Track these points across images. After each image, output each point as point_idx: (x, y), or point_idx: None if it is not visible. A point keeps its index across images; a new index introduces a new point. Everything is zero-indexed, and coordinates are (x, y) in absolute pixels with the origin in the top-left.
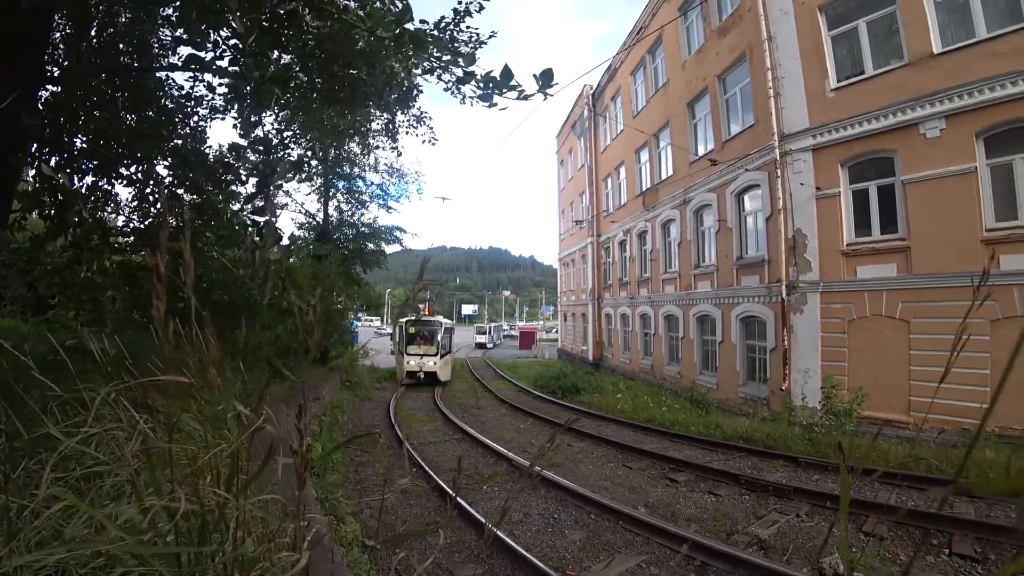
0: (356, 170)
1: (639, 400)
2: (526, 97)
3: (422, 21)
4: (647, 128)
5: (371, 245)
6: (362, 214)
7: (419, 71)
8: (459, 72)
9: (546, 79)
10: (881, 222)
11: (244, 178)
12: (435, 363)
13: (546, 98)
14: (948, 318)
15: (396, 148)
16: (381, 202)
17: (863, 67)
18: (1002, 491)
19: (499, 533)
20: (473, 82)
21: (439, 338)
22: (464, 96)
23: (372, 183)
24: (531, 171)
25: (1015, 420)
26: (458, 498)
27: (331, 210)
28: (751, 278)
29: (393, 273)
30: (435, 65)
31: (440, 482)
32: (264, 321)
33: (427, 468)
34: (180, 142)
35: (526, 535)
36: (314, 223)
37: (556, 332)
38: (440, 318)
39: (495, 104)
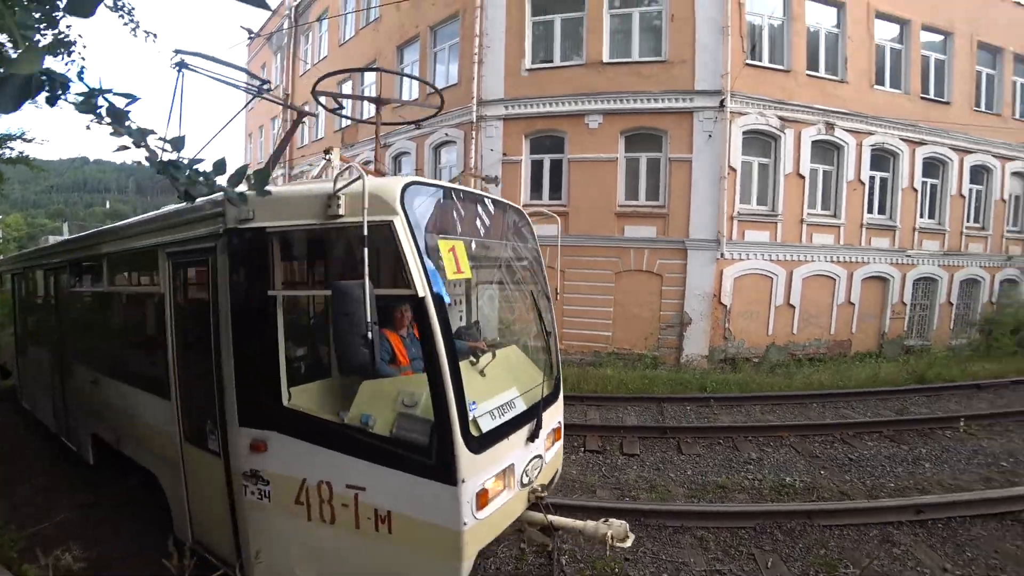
0: None
1: None
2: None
3: None
4: (354, 60)
5: None
6: None
7: None
8: None
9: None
10: (550, 189)
11: None
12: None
13: None
14: (590, 269)
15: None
16: None
17: (553, 56)
18: None
19: None
20: None
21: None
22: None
23: None
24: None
25: (625, 343)
26: None
27: None
28: None
29: (13, 194)
30: None
31: None
32: None
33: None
34: None
35: None
36: None
37: None
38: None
39: None
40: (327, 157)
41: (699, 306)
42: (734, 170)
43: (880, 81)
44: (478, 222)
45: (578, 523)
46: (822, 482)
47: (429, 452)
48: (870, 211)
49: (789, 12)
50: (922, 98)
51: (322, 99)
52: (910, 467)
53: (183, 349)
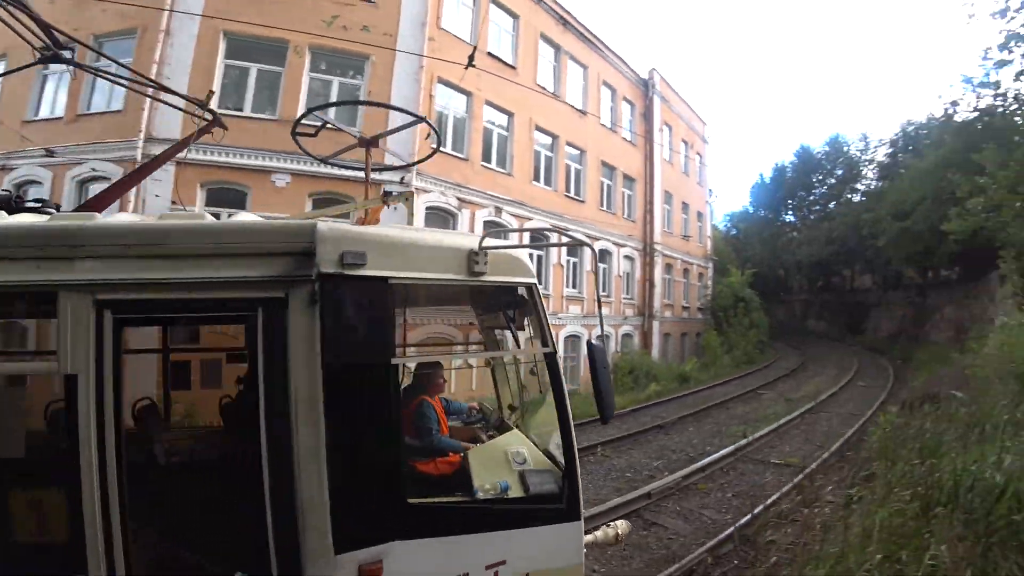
0: None
1: None
2: None
3: None
4: None
5: None
6: None
7: None
8: None
9: None
10: None
11: None
12: None
13: None
14: None
15: None
16: None
17: (244, 106)
18: None
19: None
20: None
21: None
22: None
23: None
24: None
25: None
26: None
27: None
28: None
29: None
30: None
31: None
32: None
33: None
34: None
35: None
36: None
37: None
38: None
39: None
40: (390, 204)
41: None
42: None
43: (537, 178)
44: None
45: (588, 537)
46: None
47: (560, 497)
48: None
49: (471, 111)
50: (566, 195)
51: (305, 137)
52: None
53: (137, 470)
